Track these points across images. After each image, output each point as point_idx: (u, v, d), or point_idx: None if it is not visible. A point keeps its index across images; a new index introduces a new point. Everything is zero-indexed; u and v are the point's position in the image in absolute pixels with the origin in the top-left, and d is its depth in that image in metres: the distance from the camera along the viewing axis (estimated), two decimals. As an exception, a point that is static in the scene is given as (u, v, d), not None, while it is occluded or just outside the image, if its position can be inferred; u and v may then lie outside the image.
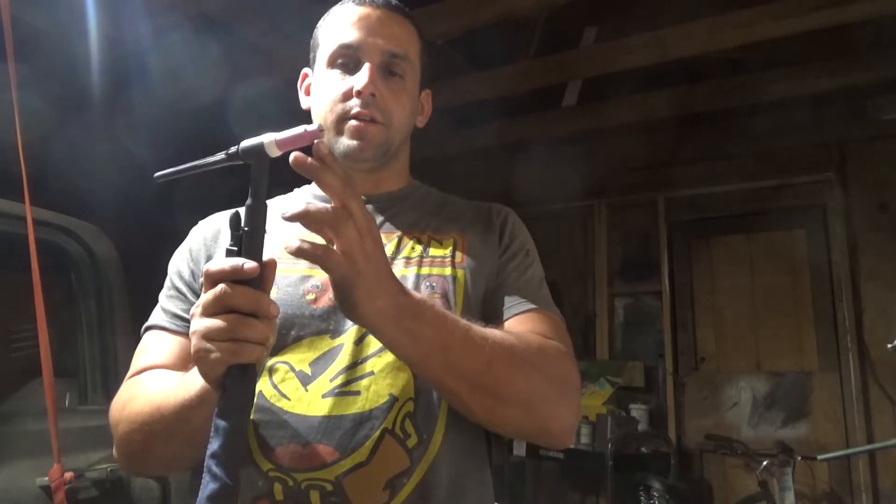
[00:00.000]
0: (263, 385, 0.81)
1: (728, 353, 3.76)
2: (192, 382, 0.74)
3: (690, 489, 3.48)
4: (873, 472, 3.22)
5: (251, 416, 0.79)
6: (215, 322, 0.66)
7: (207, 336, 0.66)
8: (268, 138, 0.69)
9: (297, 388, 0.80)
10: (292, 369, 0.81)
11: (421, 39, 0.98)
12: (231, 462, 0.65)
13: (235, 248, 0.68)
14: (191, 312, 0.69)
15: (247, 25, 2.72)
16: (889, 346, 2.68)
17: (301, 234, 0.91)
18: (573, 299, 4.20)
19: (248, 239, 0.68)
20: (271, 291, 0.84)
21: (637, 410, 3.68)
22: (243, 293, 0.66)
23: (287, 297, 0.84)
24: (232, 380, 0.67)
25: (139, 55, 2.66)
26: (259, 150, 0.69)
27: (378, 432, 0.77)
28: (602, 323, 4.06)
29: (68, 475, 1.47)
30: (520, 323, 0.87)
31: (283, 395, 0.79)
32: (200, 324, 0.67)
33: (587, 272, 4.19)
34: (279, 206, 1.00)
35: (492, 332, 0.78)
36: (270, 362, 0.81)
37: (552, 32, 3.45)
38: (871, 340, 3.32)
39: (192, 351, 0.69)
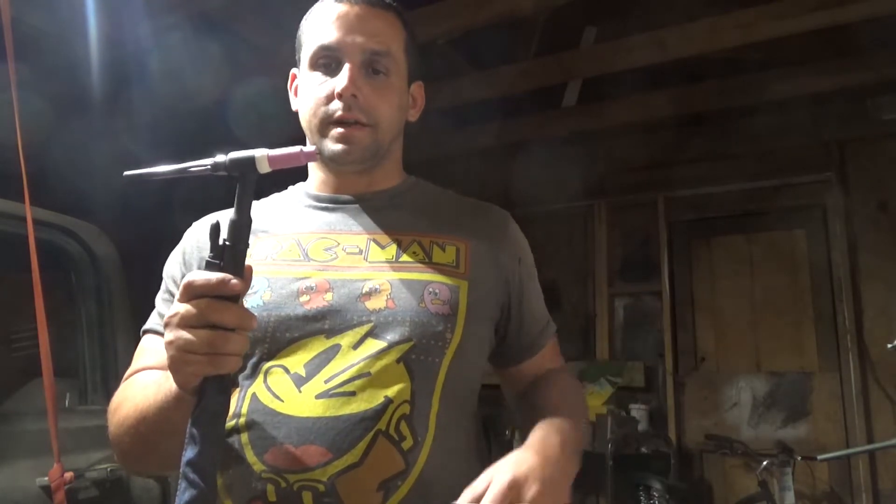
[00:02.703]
0: (258, 387, 0.80)
1: (728, 353, 3.76)
2: (168, 385, 0.74)
3: (690, 489, 3.48)
4: (873, 472, 3.22)
5: (245, 418, 0.79)
6: (194, 336, 0.66)
7: (186, 349, 0.66)
8: (260, 153, 0.68)
9: (290, 390, 0.79)
10: (287, 372, 0.80)
11: (406, 31, 0.96)
12: (208, 469, 0.65)
13: (217, 262, 0.68)
14: (164, 321, 0.69)
15: (247, 25, 2.72)
16: (889, 346, 2.67)
17: (300, 237, 0.92)
18: (573, 299, 4.20)
19: (230, 253, 0.68)
20: (265, 294, 0.84)
21: (637, 410, 3.68)
22: (228, 310, 0.67)
23: (280, 299, 0.84)
24: (208, 389, 0.68)
25: (139, 55, 2.66)
26: (249, 163, 0.68)
27: (371, 433, 0.76)
28: (602, 323, 4.06)
29: (68, 475, 1.47)
30: (547, 356, 1.02)
31: (277, 397, 0.79)
32: (178, 336, 0.67)
33: (587, 272, 4.19)
34: (274, 205, 1.00)
35: (565, 417, 0.87)
36: (266, 366, 0.81)
37: (552, 32, 3.45)
38: (871, 340, 3.32)
39: (168, 361, 0.69)
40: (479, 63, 3.46)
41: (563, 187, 4.11)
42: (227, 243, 0.68)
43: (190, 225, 0.99)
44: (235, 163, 0.69)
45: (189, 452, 0.66)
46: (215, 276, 0.67)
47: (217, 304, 0.66)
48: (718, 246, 3.90)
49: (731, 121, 3.73)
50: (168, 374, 0.73)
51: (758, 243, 3.78)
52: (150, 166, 0.73)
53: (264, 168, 0.69)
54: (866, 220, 3.44)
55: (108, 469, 1.68)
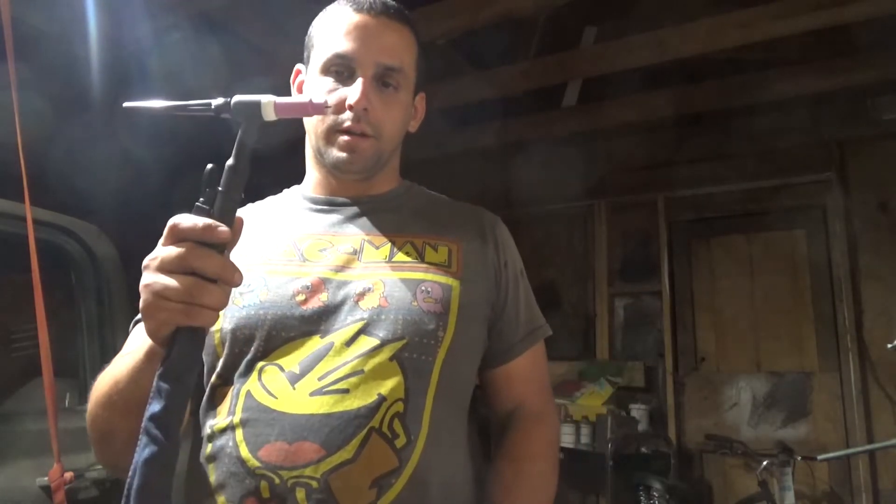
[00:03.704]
0: (252, 385, 0.81)
1: (728, 353, 3.76)
2: (140, 346, 0.73)
3: (690, 489, 3.48)
4: (873, 472, 3.22)
5: (239, 415, 0.79)
6: (172, 281, 0.63)
7: (162, 294, 0.63)
8: (266, 98, 0.65)
9: (284, 387, 0.79)
10: (281, 370, 0.81)
11: (418, 44, 0.97)
12: (171, 425, 0.62)
13: (206, 207, 0.64)
14: (144, 263, 0.66)
15: (247, 25, 2.72)
16: (889, 346, 2.68)
17: (296, 238, 0.92)
18: (573, 299, 4.20)
19: (222, 200, 0.64)
20: (262, 293, 0.84)
21: (637, 410, 3.68)
22: (210, 258, 0.63)
23: (276, 299, 0.84)
24: (179, 342, 0.64)
25: (139, 55, 2.66)
26: (254, 108, 0.65)
27: (365, 431, 0.77)
28: (602, 323, 4.06)
29: (68, 475, 1.47)
30: (524, 366, 0.99)
31: (271, 394, 0.79)
32: (156, 279, 0.63)
33: (587, 272, 4.19)
34: (270, 207, 1.00)
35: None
36: (261, 365, 0.81)
37: (552, 32, 3.45)
38: (871, 340, 3.32)
39: (140, 305, 0.66)
40: (479, 63, 3.46)
41: (563, 187, 4.11)
42: (219, 189, 0.64)
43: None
44: (240, 107, 0.65)
45: (153, 406, 0.62)
46: (202, 220, 0.63)
47: (201, 251, 0.63)
48: (718, 246, 3.90)
49: (731, 121, 3.73)
50: (144, 340, 0.71)
51: (758, 243, 3.78)
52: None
53: (270, 115, 0.66)
54: (866, 220, 3.44)
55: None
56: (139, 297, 0.67)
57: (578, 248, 4.27)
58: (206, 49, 2.68)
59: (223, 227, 0.63)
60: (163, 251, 0.64)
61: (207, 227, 0.63)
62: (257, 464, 0.76)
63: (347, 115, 0.89)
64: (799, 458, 2.84)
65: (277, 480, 0.75)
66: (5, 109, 1.36)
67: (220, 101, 0.66)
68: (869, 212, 3.44)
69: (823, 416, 3.43)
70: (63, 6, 2.37)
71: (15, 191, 1.44)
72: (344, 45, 0.90)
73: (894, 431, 3.11)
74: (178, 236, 0.64)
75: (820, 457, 2.75)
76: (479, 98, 3.49)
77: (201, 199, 0.64)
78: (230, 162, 0.65)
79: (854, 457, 3.15)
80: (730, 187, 3.79)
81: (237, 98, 0.66)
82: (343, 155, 0.90)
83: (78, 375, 2.03)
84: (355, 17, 0.91)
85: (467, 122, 4.01)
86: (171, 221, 0.64)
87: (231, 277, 0.65)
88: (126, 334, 0.92)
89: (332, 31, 0.92)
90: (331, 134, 0.91)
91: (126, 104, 0.70)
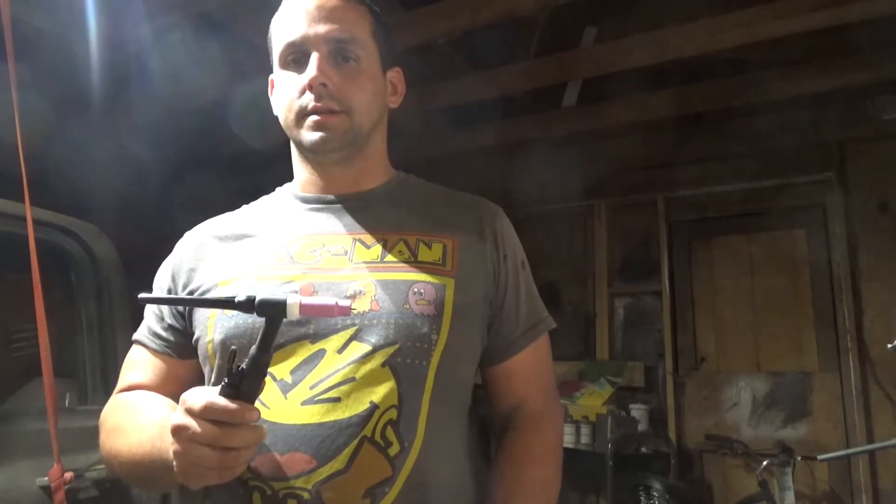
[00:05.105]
0: None
1: (728, 353, 3.76)
2: (163, 450, 0.73)
3: (690, 489, 3.48)
4: (873, 472, 3.22)
5: None
6: (206, 451, 0.66)
7: (197, 463, 0.67)
8: (292, 299, 0.67)
9: (276, 397, 0.79)
10: (273, 379, 0.80)
11: (373, 16, 0.95)
12: None
13: (235, 386, 0.67)
14: (173, 428, 0.68)
15: (247, 25, 2.72)
16: (889, 346, 2.67)
17: (287, 241, 0.91)
18: (573, 299, 4.20)
19: (248, 383, 0.68)
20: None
21: (637, 410, 3.68)
22: (242, 437, 0.67)
23: None
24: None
25: (139, 55, 2.66)
26: (279, 308, 0.67)
27: (357, 440, 0.76)
28: (602, 323, 4.06)
29: (68, 475, 1.47)
30: (525, 362, 0.95)
31: (263, 404, 0.78)
32: (189, 450, 0.67)
33: (587, 272, 4.19)
34: (261, 208, 1.00)
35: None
36: None
37: (552, 32, 3.45)
38: (871, 340, 3.32)
39: (176, 467, 0.69)
40: (479, 63, 3.45)
41: (563, 187, 4.11)
42: (244, 372, 0.68)
43: (190, 225, 0.99)
44: (265, 306, 0.67)
45: None
46: (235, 407, 0.66)
47: (234, 432, 0.66)
48: (718, 246, 3.90)
49: (731, 121, 3.73)
50: (163, 430, 0.72)
51: (758, 243, 3.78)
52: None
53: (294, 315, 0.68)
54: (866, 220, 3.44)
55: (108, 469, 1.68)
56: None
57: (578, 248, 4.27)
58: (206, 49, 2.68)
59: (254, 412, 0.67)
60: (195, 424, 0.66)
61: (240, 414, 0.66)
62: (249, 474, 0.76)
63: (309, 96, 0.88)
64: (799, 458, 2.84)
65: (269, 491, 0.75)
66: (5, 109, 1.35)
67: (243, 297, 0.68)
68: (869, 212, 3.44)
69: (823, 416, 3.43)
70: (63, 6, 2.37)
71: (15, 191, 1.44)
72: (293, 32, 0.90)
73: (894, 431, 3.11)
74: (211, 415, 0.66)
75: (820, 457, 2.75)
76: (479, 98, 3.48)
77: (227, 379, 0.67)
78: (254, 352, 0.67)
79: (854, 457, 3.15)
80: (730, 187, 3.79)
81: (262, 297, 0.67)
82: (316, 135, 0.88)
83: (78, 375, 2.03)
84: (300, 4, 0.91)
85: (467, 122, 4.00)
86: (205, 400, 0.66)
87: (258, 441, 0.69)
88: (126, 334, 0.93)
89: (282, 25, 0.92)
90: (300, 119, 0.90)
91: (142, 296, 0.73)
